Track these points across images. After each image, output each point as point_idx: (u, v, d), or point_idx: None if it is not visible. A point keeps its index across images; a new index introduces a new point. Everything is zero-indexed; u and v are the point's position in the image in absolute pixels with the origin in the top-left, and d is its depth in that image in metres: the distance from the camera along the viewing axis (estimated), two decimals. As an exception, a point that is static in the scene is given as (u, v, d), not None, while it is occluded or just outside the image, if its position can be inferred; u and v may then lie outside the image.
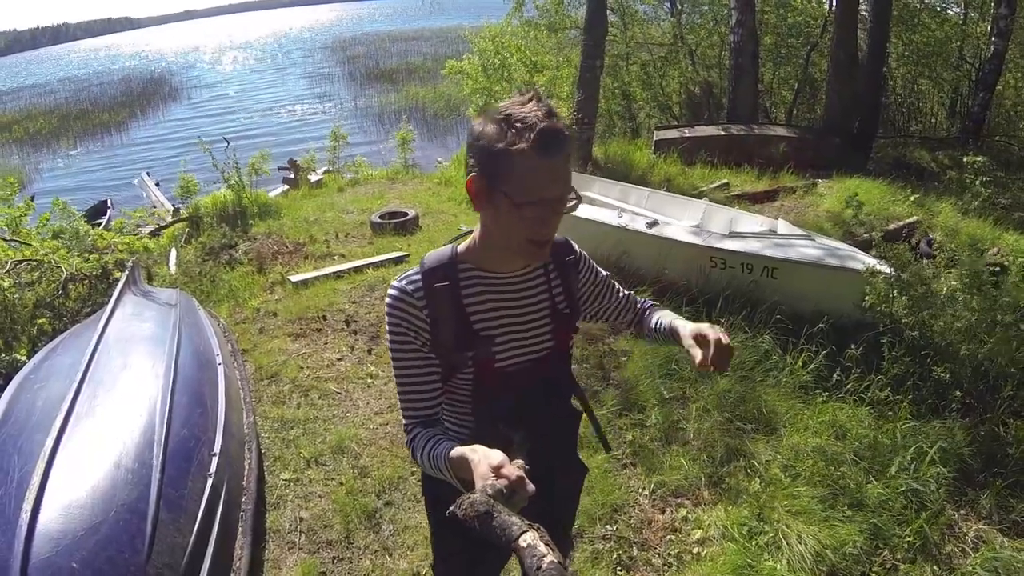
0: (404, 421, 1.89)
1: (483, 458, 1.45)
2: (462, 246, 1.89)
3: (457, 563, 2.20)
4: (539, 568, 1.18)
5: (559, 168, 1.66)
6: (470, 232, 1.89)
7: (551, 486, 1.70)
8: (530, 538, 1.23)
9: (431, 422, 1.88)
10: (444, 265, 1.86)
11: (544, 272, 1.97)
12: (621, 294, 2.23)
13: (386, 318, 1.84)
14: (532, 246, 1.74)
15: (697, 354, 1.82)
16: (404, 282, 1.84)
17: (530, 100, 1.66)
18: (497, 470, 1.40)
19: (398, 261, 8.05)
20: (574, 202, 1.73)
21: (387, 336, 1.86)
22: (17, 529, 2.67)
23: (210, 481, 3.38)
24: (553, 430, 2.07)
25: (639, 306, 2.26)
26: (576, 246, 2.10)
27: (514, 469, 1.40)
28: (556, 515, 2.27)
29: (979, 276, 5.16)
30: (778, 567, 3.47)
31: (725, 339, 1.81)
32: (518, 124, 1.63)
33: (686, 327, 1.94)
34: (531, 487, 1.38)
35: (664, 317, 2.13)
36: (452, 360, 1.86)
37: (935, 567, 3.56)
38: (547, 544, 1.23)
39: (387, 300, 1.84)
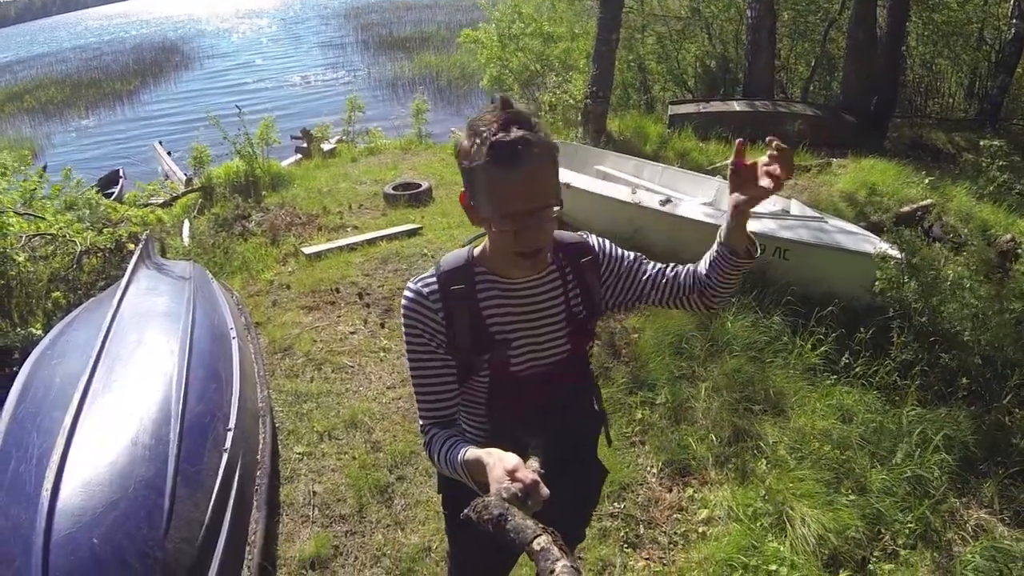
0: (421, 422, 1.90)
1: (498, 461, 1.46)
2: (478, 249, 1.89)
3: (473, 550, 2.21)
4: (552, 572, 1.19)
5: (523, 179, 1.61)
6: (483, 234, 1.87)
7: (567, 489, 1.70)
8: (544, 542, 1.24)
9: (448, 423, 1.89)
10: (460, 268, 1.86)
11: (560, 275, 1.93)
12: (652, 269, 2.04)
13: (402, 320, 1.85)
14: (520, 258, 1.73)
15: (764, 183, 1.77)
16: (420, 284, 1.84)
17: (496, 108, 1.66)
18: (512, 474, 1.41)
19: (412, 233, 8.05)
20: (556, 210, 1.68)
21: (403, 338, 1.86)
22: (39, 506, 2.72)
23: (225, 456, 3.44)
24: (570, 433, 2.07)
25: (681, 271, 2.02)
26: (595, 242, 2.01)
27: (529, 473, 1.41)
28: (571, 517, 2.30)
29: (987, 263, 5.17)
30: (781, 548, 3.53)
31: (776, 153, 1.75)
32: (477, 139, 1.63)
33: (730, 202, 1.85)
34: (545, 491, 1.39)
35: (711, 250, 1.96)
36: (468, 362, 1.86)
37: (935, 554, 3.61)
38: (561, 548, 1.23)
39: (403, 302, 1.84)
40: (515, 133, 1.60)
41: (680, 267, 2.03)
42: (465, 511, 1.35)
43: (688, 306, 2.03)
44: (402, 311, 1.84)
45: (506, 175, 1.60)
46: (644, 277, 2.02)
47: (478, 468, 1.55)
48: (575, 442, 2.12)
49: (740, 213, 1.84)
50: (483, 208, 1.67)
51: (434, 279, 1.84)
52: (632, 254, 2.04)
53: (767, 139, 1.75)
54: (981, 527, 3.81)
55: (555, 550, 1.23)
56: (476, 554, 2.20)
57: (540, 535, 1.25)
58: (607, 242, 2.04)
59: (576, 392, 2.08)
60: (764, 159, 1.77)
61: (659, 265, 2.05)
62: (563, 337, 1.93)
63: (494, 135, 1.59)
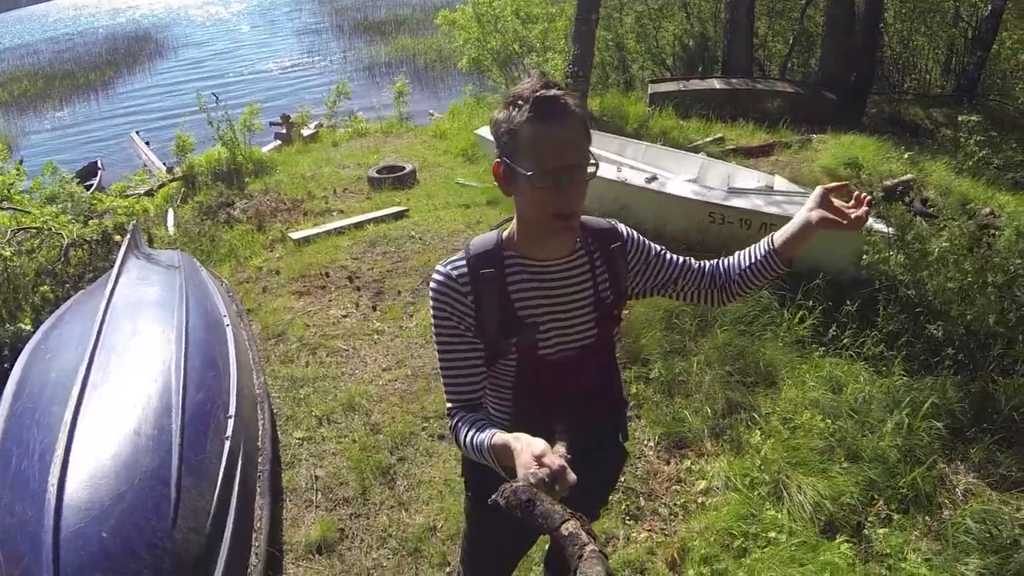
0: (448, 405, 1.90)
1: (526, 446, 1.47)
2: (506, 232, 1.89)
3: (492, 548, 2.25)
4: (581, 556, 1.21)
5: (564, 135, 1.67)
6: (511, 218, 1.90)
7: (590, 475, 1.69)
8: (572, 527, 1.25)
9: (475, 406, 1.90)
10: (489, 252, 1.86)
11: (588, 260, 1.94)
12: (677, 261, 2.09)
13: (430, 303, 1.85)
14: (558, 221, 1.73)
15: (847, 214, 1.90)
16: (449, 267, 1.85)
17: (532, 79, 1.71)
18: (540, 459, 1.42)
19: (398, 216, 8.08)
20: (593, 168, 1.72)
21: (431, 320, 1.87)
22: (46, 502, 2.73)
23: (227, 443, 3.45)
24: (595, 418, 2.07)
25: (706, 265, 2.10)
26: (623, 229, 2.04)
27: (556, 459, 1.42)
28: (593, 501, 2.34)
29: (972, 237, 5.25)
30: (779, 516, 3.60)
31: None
32: (519, 101, 1.68)
33: (802, 214, 1.94)
34: (573, 477, 1.40)
35: (751, 250, 2.05)
36: (496, 346, 1.87)
37: (927, 518, 3.69)
38: (589, 533, 1.25)
39: (432, 285, 1.85)
40: (555, 91, 1.67)
41: (704, 262, 2.11)
42: (493, 496, 1.36)
43: (707, 300, 2.10)
44: (431, 294, 1.85)
45: (549, 130, 1.66)
46: (673, 267, 2.07)
47: (505, 453, 1.56)
48: (599, 428, 2.13)
49: (809, 231, 1.93)
50: (524, 165, 1.68)
51: (464, 263, 1.85)
52: (657, 245, 2.09)
53: (859, 195, 1.88)
54: (970, 491, 3.88)
55: (583, 535, 1.24)
56: (502, 536, 2.17)
57: (568, 520, 1.27)
58: (635, 231, 2.06)
59: (601, 378, 2.08)
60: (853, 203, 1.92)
61: (683, 257, 2.11)
62: (591, 322, 1.94)
63: (534, 92, 1.66)
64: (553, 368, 1.91)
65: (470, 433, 1.75)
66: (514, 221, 1.87)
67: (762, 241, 2.02)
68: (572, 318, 1.91)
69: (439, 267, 1.86)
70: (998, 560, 3.35)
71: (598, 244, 1.97)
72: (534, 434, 1.51)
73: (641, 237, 2.07)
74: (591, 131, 1.77)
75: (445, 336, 1.86)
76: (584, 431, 1.82)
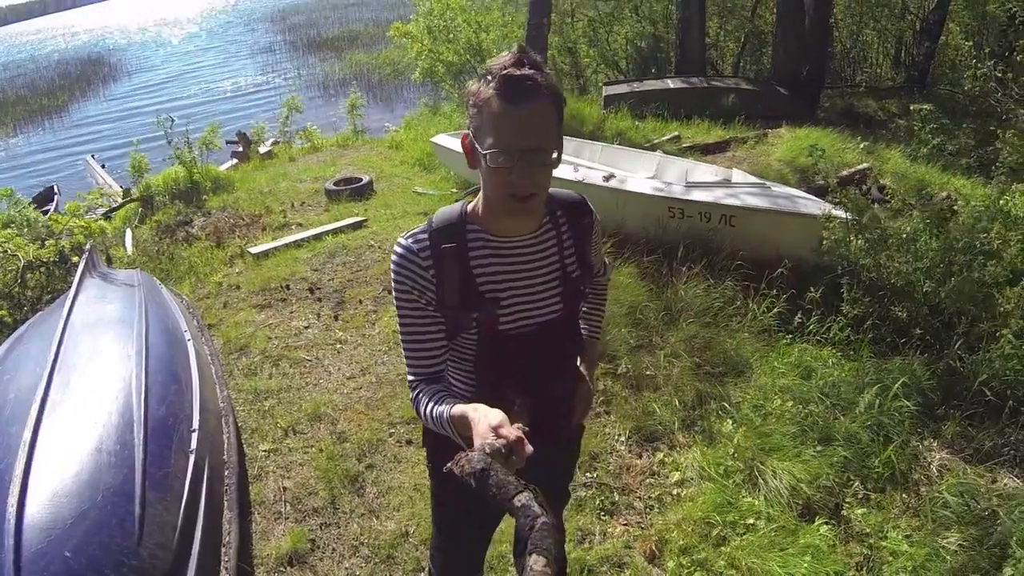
0: (409, 377, 1.90)
1: (483, 417, 1.48)
2: (471, 205, 1.87)
3: (458, 507, 2.19)
4: (532, 528, 1.21)
5: (525, 116, 1.63)
6: (477, 190, 1.86)
7: (552, 447, 1.73)
8: (524, 498, 1.26)
9: (435, 378, 1.89)
10: (452, 225, 1.84)
11: (556, 235, 1.93)
12: (598, 262, 2.22)
13: (392, 275, 1.83)
14: (513, 201, 1.71)
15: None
16: (410, 240, 1.83)
17: (509, 54, 1.67)
18: (496, 430, 1.42)
19: (357, 226, 8.03)
20: (555, 155, 1.69)
21: (393, 292, 1.85)
22: (5, 523, 2.64)
23: (192, 457, 3.37)
24: (557, 392, 2.06)
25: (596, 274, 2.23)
26: (592, 207, 2.06)
27: (513, 430, 1.42)
28: (557, 473, 2.33)
29: (941, 218, 5.31)
30: (756, 503, 3.59)
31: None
32: (488, 75, 1.65)
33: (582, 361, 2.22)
34: (529, 448, 1.41)
35: (589, 320, 2.33)
36: (457, 320, 1.85)
37: (904, 495, 3.71)
38: (541, 505, 1.25)
39: (393, 258, 1.83)
40: (525, 71, 1.63)
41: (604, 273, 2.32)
42: (448, 464, 1.37)
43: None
44: (392, 266, 1.83)
45: (510, 109, 1.62)
46: (595, 257, 2.15)
47: (463, 423, 1.57)
48: (559, 399, 2.11)
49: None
50: (483, 142, 1.66)
51: (425, 235, 1.83)
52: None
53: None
54: (945, 466, 3.91)
55: (535, 507, 1.25)
56: (460, 513, 2.19)
57: (521, 491, 1.27)
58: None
59: (563, 350, 2.08)
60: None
61: (603, 266, 2.30)
62: (556, 297, 1.93)
63: (504, 69, 1.62)
64: (515, 342, 1.90)
65: (430, 405, 1.76)
66: (480, 195, 1.85)
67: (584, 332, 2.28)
68: (536, 293, 1.90)
69: (401, 239, 1.84)
70: (978, 531, 3.37)
71: (567, 217, 1.97)
72: (493, 406, 1.52)
73: (600, 227, 2.13)
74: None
75: (406, 309, 1.85)
76: (543, 403, 1.84)
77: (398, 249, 1.83)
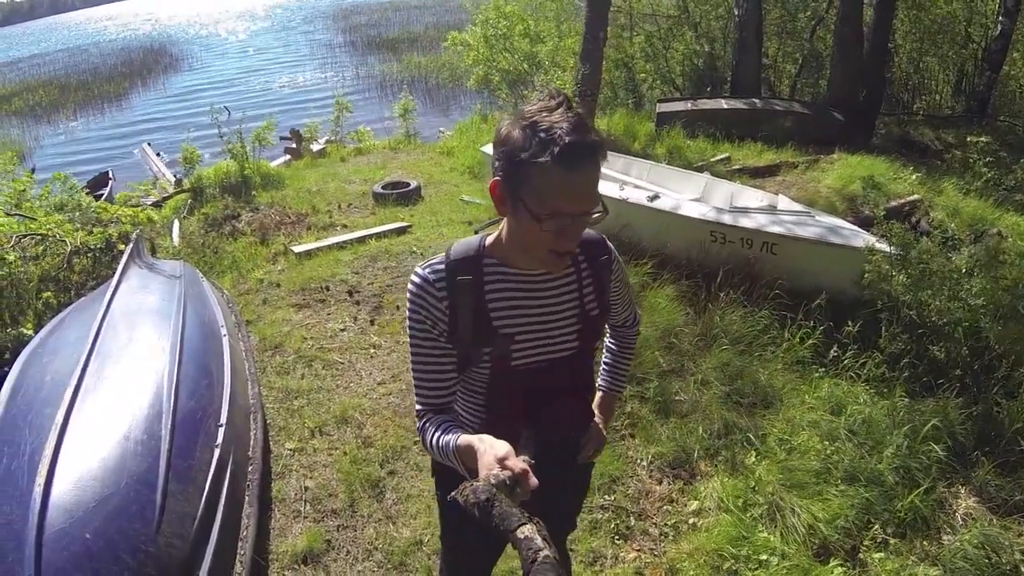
0: (417, 407, 1.89)
1: (489, 448, 1.48)
2: (490, 239, 1.85)
3: (464, 534, 2.17)
4: (534, 561, 1.21)
5: (583, 182, 1.59)
6: (498, 221, 1.84)
7: (558, 479, 1.71)
8: (528, 531, 1.25)
9: (443, 409, 1.89)
10: (470, 258, 1.83)
11: (576, 272, 1.92)
12: (627, 311, 2.22)
13: (407, 304, 1.84)
14: (553, 256, 1.71)
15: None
16: (428, 271, 1.82)
17: (559, 107, 1.59)
18: (502, 461, 1.42)
19: (401, 232, 8.07)
20: (599, 214, 1.66)
21: (406, 320, 1.85)
22: (31, 501, 2.71)
23: (217, 452, 3.43)
24: (564, 427, 2.04)
25: (615, 321, 2.24)
26: (611, 244, 2.03)
27: (519, 462, 1.42)
28: (563, 507, 2.33)
29: (996, 256, 5.21)
30: (772, 539, 3.54)
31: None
32: (542, 134, 1.56)
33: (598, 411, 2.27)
34: (534, 481, 1.40)
35: (605, 365, 2.38)
36: (469, 354, 1.85)
37: (924, 543, 3.63)
38: (544, 539, 1.24)
39: (409, 287, 1.83)
40: (587, 137, 1.57)
41: (630, 321, 2.30)
42: (453, 493, 1.36)
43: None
44: (407, 295, 1.83)
45: (569, 177, 1.57)
46: (616, 304, 2.13)
47: (469, 454, 1.56)
48: (566, 434, 2.10)
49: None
50: (531, 202, 1.61)
51: (442, 266, 1.82)
52: (629, 281, 2.19)
53: None
54: (970, 515, 3.82)
55: (538, 539, 1.24)
56: (466, 541, 2.18)
57: (525, 523, 1.27)
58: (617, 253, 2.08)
59: (575, 387, 2.05)
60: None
61: (632, 309, 2.28)
62: (573, 334, 1.92)
63: (567, 135, 1.54)
64: (526, 377, 1.89)
65: (436, 434, 1.76)
66: (501, 229, 1.83)
67: (601, 384, 2.36)
68: (552, 328, 1.89)
69: (418, 268, 1.84)
70: (997, 586, 3.30)
71: (586, 255, 1.94)
72: (500, 438, 1.51)
73: (621, 263, 2.09)
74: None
75: (418, 339, 1.85)
76: (552, 437, 1.85)
77: (414, 278, 1.83)
